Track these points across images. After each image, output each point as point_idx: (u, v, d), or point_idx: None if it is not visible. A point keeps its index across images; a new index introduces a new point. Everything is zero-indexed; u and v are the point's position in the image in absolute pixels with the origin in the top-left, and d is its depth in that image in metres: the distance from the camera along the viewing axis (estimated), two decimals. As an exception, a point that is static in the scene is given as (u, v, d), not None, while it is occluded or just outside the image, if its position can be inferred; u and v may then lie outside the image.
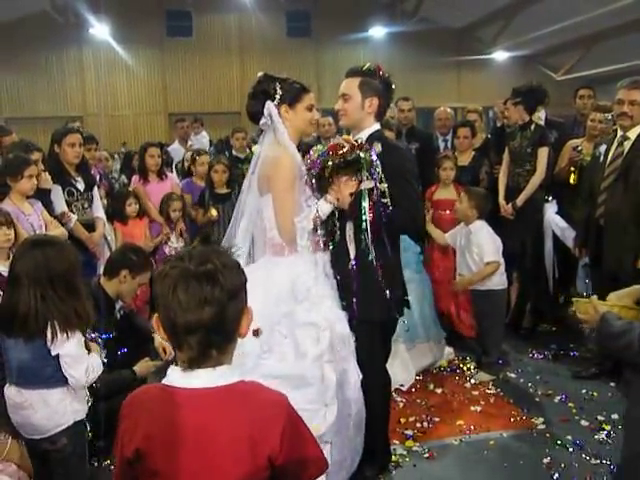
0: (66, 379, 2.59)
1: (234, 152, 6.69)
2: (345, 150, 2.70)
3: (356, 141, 2.80)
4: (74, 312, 2.56)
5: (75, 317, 2.56)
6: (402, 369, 4.49)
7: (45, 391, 2.60)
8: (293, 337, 2.53)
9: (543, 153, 5.03)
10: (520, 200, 5.05)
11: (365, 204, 2.73)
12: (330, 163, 2.70)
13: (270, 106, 2.73)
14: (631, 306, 2.26)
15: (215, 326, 1.42)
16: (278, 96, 2.74)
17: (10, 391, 2.65)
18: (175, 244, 5.39)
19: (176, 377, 1.49)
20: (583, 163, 4.82)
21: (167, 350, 3.51)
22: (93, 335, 2.81)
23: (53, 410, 2.61)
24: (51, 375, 2.59)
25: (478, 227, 4.53)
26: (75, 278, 2.61)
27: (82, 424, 2.72)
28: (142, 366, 3.51)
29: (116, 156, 9.32)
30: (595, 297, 2.31)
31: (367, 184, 2.73)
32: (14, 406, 2.64)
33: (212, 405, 1.47)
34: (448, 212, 5.05)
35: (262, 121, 2.77)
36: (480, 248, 4.46)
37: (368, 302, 2.83)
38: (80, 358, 2.60)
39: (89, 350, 2.67)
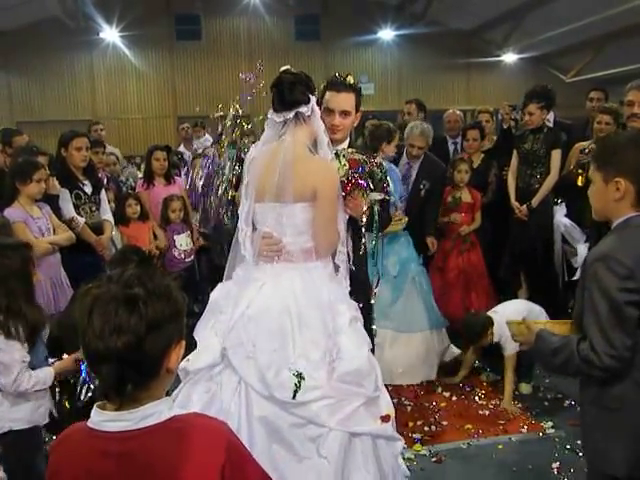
0: None
1: (241, 154, 6.67)
2: (372, 166, 2.89)
3: (373, 157, 2.98)
4: None
5: None
6: (427, 362, 4.56)
7: None
8: (346, 334, 2.53)
9: (557, 155, 5.05)
10: (535, 201, 5.05)
11: (376, 214, 2.90)
12: (367, 177, 2.80)
13: (314, 101, 2.59)
14: (563, 321, 2.26)
15: (129, 359, 1.28)
16: (318, 97, 2.67)
17: None
18: (185, 247, 5.36)
19: (98, 419, 1.36)
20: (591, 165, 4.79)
21: None
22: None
23: None
24: None
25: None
26: (7, 282, 2.55)
27: (25, 436, 2.56)
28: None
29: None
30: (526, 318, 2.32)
31: (376, 195, 2.90)
32: None
33: (142, 447, 1.33)
34: (463, 215, 5.10)
35: (302, 109, 2.55)
36: None
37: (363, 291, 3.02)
38: (9, 366, 2.51)
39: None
